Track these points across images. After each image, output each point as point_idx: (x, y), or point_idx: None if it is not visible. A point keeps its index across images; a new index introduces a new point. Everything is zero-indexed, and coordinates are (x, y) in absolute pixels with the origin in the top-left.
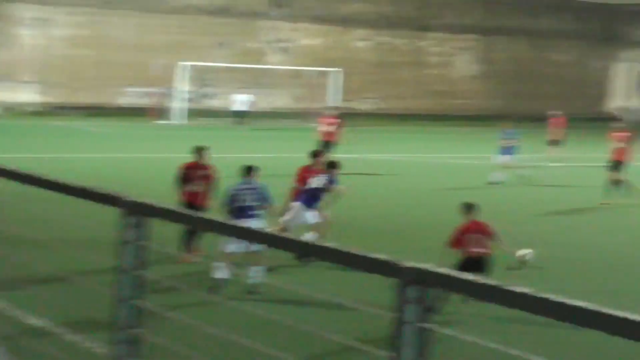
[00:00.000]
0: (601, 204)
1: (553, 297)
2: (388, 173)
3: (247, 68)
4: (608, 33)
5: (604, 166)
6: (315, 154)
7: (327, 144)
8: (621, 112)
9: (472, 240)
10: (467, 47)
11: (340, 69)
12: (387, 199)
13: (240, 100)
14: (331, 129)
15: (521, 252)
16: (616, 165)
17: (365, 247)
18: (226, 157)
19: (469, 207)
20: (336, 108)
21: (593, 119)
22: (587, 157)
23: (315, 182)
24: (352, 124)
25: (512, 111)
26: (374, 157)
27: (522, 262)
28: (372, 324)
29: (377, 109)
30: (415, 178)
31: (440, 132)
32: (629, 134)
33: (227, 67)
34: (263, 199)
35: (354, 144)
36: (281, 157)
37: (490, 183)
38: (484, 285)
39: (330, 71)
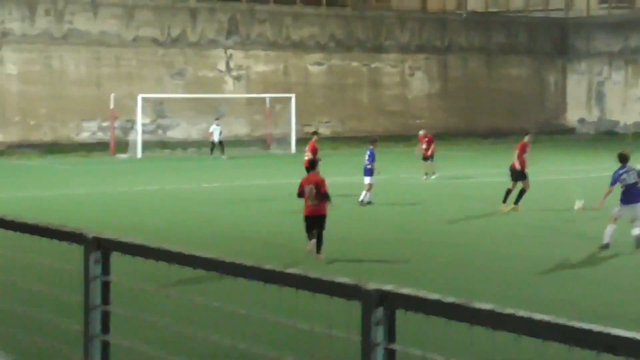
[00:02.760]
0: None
1: (519, 312)
2: (345, 194)
3: (202, 97)
4: (560, 47)
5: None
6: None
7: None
8: (579, 124)
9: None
10: (421, 66)
11: (293, 95)
12: (347, 221)
13: (216, 131)
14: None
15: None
16: (519, 174)
17: (324, 271)
18: (213, 186)
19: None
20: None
21: (551, 133)
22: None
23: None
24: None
25: (468, 128)
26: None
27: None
28: (341, 347)
29: (334, 132)
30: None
31: (398, 152)
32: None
33: (183, 97)
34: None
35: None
36: (270, 183)
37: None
38: (449, 304)
39: (285, 97)
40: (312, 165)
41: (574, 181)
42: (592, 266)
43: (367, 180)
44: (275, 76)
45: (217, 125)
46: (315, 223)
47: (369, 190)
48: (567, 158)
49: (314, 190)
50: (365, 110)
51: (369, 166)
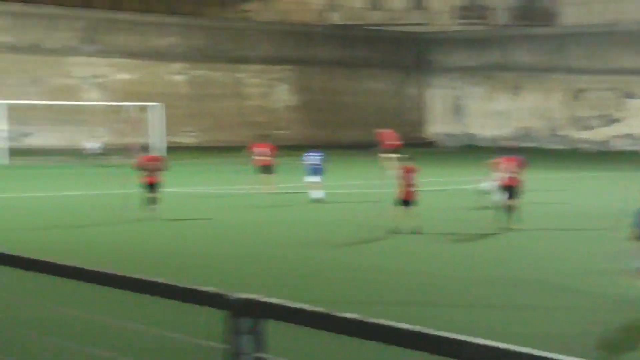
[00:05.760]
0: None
1: (384, 322)
2: (209, 207)
3: (64, 105)
4: (419, 61)
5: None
6: None
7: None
8: (439, 137)
9: None
10: (284, 77)
11: (161, 103)
12: (209, 232)
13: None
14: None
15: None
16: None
17: (194, 283)
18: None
19: None
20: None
21: (412, 145)
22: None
23: None
24: (175, 158)
25: (330, 140)
26: (192, 190)
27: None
28: (205, 358)
29: (198, 142)
30: (232, 211)
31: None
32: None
33: (43, 104)
34: None
35: (178, 177)
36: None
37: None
38: (316, 313)
39: (149, 105)
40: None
41: (438, 193)
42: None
43: (318, 178)
44: (138, 85)
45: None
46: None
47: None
48: (429, 170)
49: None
50: (228, 120)
51: (320, 166)
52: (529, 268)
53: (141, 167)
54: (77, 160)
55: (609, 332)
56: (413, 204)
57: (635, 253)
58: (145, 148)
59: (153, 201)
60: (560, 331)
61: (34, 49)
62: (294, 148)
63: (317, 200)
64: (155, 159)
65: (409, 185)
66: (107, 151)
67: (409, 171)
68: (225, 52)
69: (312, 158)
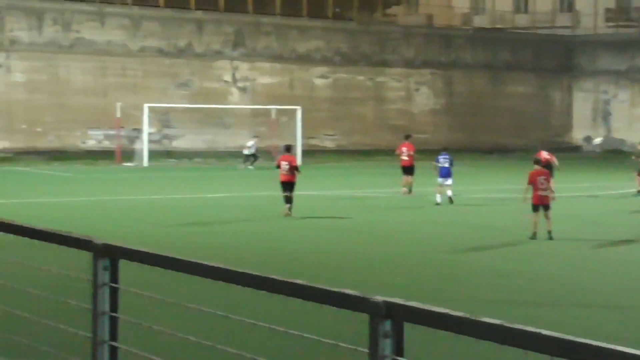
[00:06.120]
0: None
1: (526, 327)
2: (350, 209)
3: (208, 108)
4: (566, 64)
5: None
6: None
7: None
8: (584, 142)
9: None
10: (426, 81)
11: (299, 107)
12: (354, 235)
13: (249, 145)
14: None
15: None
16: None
17: (334, 284)
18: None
19: None
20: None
21: (556, 150)
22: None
23: None
24: (314, 161)
25: (472, 144)
26: (336, 193)
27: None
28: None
29: (338, 145)
30: (375, 213)
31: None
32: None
33: (187, 107)
34: None
35: (316, 180)
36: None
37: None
38: (456, 318)
39: (290, 109)
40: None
41: (584, 198)
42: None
43: (449, 181)
44: (280, 88)
45: (253, 139)
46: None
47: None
48: (574, 176)
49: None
50: (370, 124)
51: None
52: None
53: (279, 167)
54: (217, 163)
55: None
56: (546, 208)
57: None
58: (288, 149)
59: (288, 200)
60: None
61: (181, 53)
62: (435, 152)
63: (446, 202)
64: (290, 159)
65: (541, 189)
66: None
67: (539, 175)
68: (367, 56)
69: (442, 160)
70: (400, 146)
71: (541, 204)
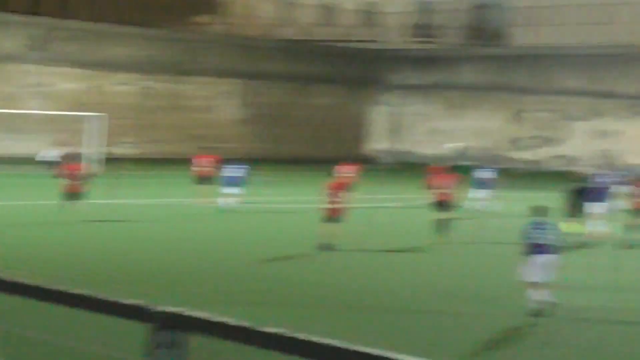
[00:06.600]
0: None
1: (304, 336)
2: (140, 219)
3: (3, 113)
4: (367, 78)
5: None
6: None
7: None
8: (380, 154)
9: None
10: (231, 91)
11: (102, 114)
12: (138, 244)
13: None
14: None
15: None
16: None
17: (117, 294)
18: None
19: None
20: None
21: (355, 162)
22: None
23: None
24: (111, 169)
25: (275, 155)
26: (129, 202)
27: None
28: None
29: (141, 153)
30: (165, 223)
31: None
32: None
33: None
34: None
35: (113, 188)
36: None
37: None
38: (239, 327)
39: (92, 115)
40: None
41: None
42: None
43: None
44: (82, 95)
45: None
46: None
47: None
48: (370, 187)
49: None
50: (172, 133)
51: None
52: (446, 278)
53: (63, 176)
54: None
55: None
56: (338, 220)
57: (524, 266)
58: (77, 157)
59: (73, 205)
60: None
61: None
62: (238, 162)
63: (228, 210)
64: (76, 168)
65: (334, 202)
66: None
67: (335, 188)
68: (172, 64)
69: (230, 170)
70: (200, 157)
71: (333, 216)
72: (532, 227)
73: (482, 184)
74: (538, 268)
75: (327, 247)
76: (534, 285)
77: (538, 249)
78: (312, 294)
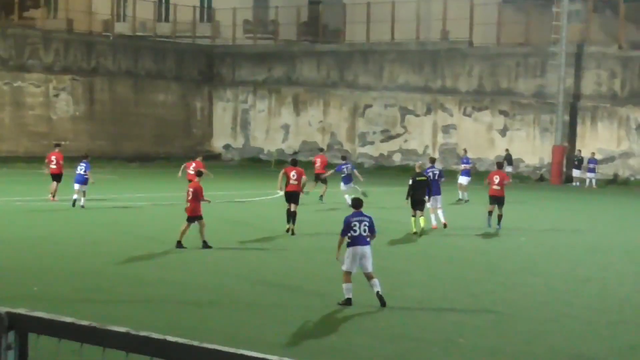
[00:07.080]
0: None
1: (152, 335)
2: None
3: None
4: (207, 74)
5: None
6: None
7: None
8: (224, 150)
9: None
10: (66, 87)
11: None
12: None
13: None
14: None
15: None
16: None
17: None
18: None
19: None
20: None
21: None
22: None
23: None
24: None
25: (114, 152)
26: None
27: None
28: None
29: None
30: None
31: (39, 174)
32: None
33: None
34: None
35: None
36: None
37: None
38: (82, 327)
39: None
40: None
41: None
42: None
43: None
44: None
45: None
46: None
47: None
48: (214, 184)
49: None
50: (8, 130)
51: (85, 175)
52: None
53: None
54: None
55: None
56: (198, 219)
57: (343, 257)
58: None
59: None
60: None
61: None
62: (76, 159)
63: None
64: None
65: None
66: None
67: (193, 187)
68: (4, 60)
69: (79, 167)
70: (50, 155)
71: (192, 216)
72: (352, 218)
73: (345, 178)
74: (354, 258)
75: (180, 245)
76: (349, 274)
77: (355, 239)
78: (153, 292)
